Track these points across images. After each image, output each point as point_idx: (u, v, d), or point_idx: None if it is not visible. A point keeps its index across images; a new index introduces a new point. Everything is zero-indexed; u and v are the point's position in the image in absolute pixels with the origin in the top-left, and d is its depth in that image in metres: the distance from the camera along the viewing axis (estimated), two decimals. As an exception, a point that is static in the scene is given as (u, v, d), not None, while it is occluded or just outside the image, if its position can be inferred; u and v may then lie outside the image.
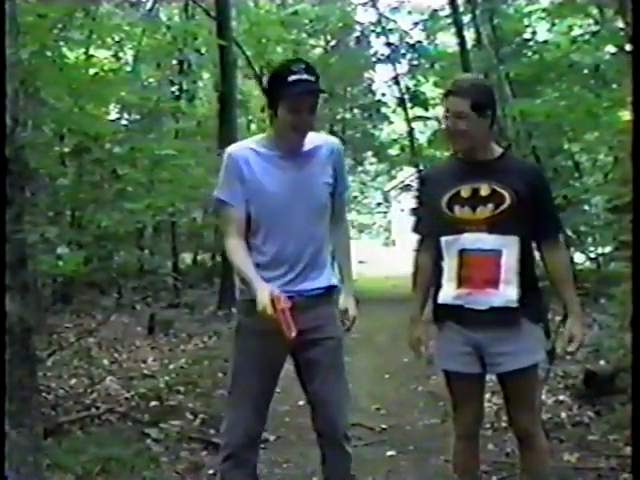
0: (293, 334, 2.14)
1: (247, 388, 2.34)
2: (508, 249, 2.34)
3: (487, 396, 4.44)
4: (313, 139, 2.38)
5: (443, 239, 2.42)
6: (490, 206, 2.34)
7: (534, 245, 2.46)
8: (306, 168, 2.35)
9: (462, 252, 2.37)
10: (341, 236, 2.53)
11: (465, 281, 2.37)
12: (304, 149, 2.36)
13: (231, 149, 2.37)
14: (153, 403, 4.82)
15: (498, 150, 2.49)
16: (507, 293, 2.33)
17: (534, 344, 2.39)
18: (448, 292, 2.41)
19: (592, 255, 9.02)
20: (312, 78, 2.26)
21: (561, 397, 4.50)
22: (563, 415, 4.16)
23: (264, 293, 2.16)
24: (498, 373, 2.43)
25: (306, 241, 2.33)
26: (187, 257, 16.12)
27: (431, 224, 2.49)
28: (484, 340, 2.36)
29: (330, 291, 2.40)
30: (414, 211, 2.64)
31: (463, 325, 2.39)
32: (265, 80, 2.30)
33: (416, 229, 2.60)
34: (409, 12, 17.19)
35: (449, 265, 2.40)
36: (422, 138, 17.45)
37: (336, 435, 2.40)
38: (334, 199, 2.44)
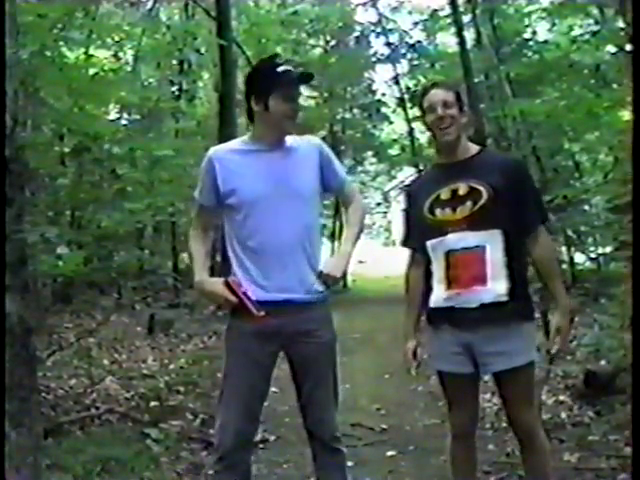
0: (262, 313, 2.21)
1: (238, 389, 2.33)
2: (492, 243, 2.35)
3: (487, 396, 4.46)
4: (294, 139, 2.43)
5: (429, 243, 2.45)
6: (469, 204, 2.37)
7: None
8: (290, 160, 2.37)
9: (448, 253, 2.39)
10: (352, 210, 2.52)
11: (454, 282, 2.38)
12: (286, 144, 2.39)
13: (209, 152, 2.40)
14: (153, 403, 4.82)
15: (475, 148, 2.53)
16: (496, 288, 2.34)
17: (526, 343, 2.39)
18: (439, 295, 2.43)
19: (592, 255, 9.03)
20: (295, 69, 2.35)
21: (561, 397, 4.50)
22: (563, 415, 4.16)
23: (217, 284, 2.30)
24: (491, 373, 2.43)
25: (295, 230, 2.31)
26: (187, 257, 16.08)
27: (418, 236, 2.51)
28: (476, 340, 2.36)
29: (324, 294, 2.38)
30: (403, 226, 2.65)
31: (455, 326, 2.40)
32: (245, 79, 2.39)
33: (405, 243, 2.63)
34: (409, 12, 17.16)
35: (437, 268, 2.43)
36: (422, 138, 17.39)
37: (324, 436, 2.41)
38: (333, 191, 2.51)
